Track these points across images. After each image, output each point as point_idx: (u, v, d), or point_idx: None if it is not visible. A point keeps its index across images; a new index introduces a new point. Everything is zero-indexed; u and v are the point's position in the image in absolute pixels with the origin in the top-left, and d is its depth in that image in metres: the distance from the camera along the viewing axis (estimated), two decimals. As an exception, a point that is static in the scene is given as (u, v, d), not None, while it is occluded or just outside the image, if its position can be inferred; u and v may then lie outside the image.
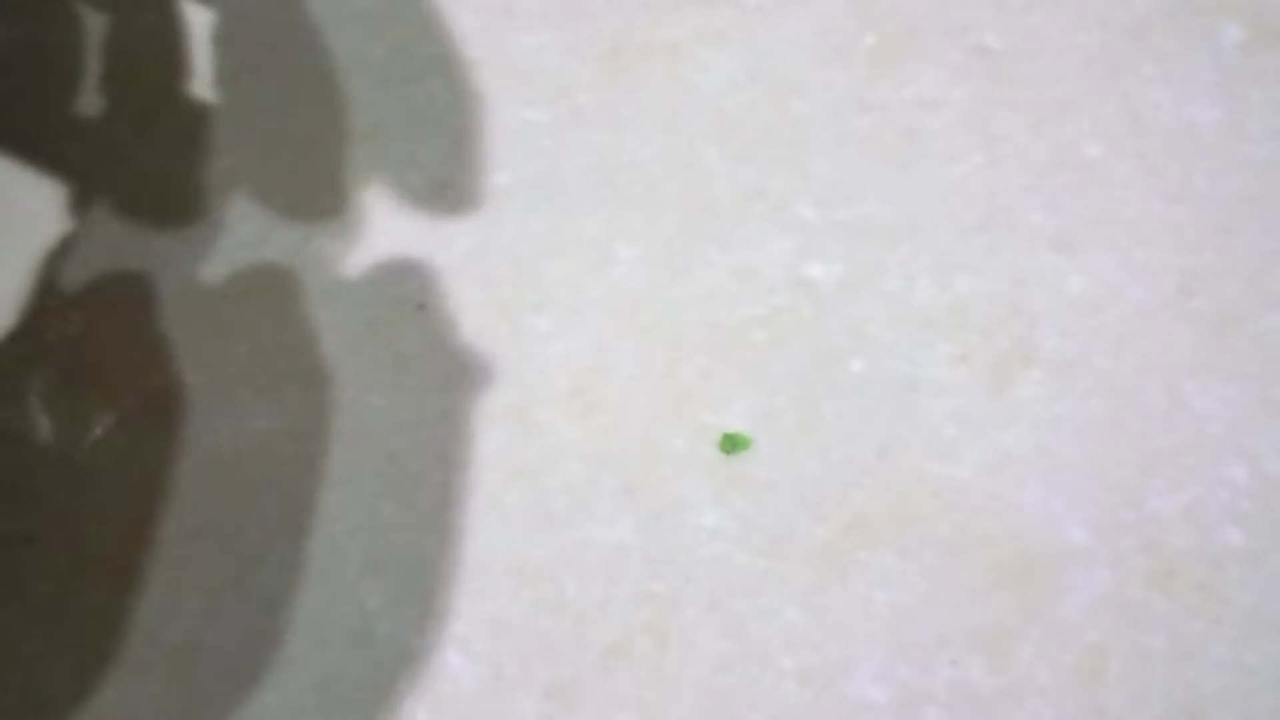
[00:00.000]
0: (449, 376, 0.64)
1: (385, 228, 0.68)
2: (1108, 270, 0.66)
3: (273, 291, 0.67)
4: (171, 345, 0.66)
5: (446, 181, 0.70)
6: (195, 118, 0.72)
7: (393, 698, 0.58)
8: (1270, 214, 0.68)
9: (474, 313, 0.66)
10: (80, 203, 0.70)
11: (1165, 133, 0.69)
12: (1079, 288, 0.66)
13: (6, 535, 0.61)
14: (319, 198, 0.69)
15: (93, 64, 0.74)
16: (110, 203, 0.70)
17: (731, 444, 0.62)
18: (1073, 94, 0.70)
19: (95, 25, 0.75)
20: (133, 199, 0.70)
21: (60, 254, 0.68)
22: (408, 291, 0.67)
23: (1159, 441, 0.62)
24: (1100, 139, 0.69)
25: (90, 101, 0.73)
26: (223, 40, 0.74)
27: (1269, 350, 0.64)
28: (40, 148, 0.71)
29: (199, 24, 0.75)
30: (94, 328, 0.66)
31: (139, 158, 0.71)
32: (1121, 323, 0.65)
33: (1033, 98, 0.70)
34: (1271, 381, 0.64)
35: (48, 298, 0.67)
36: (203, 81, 0.73)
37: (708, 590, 0.59)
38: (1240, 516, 0.60)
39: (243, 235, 0.68)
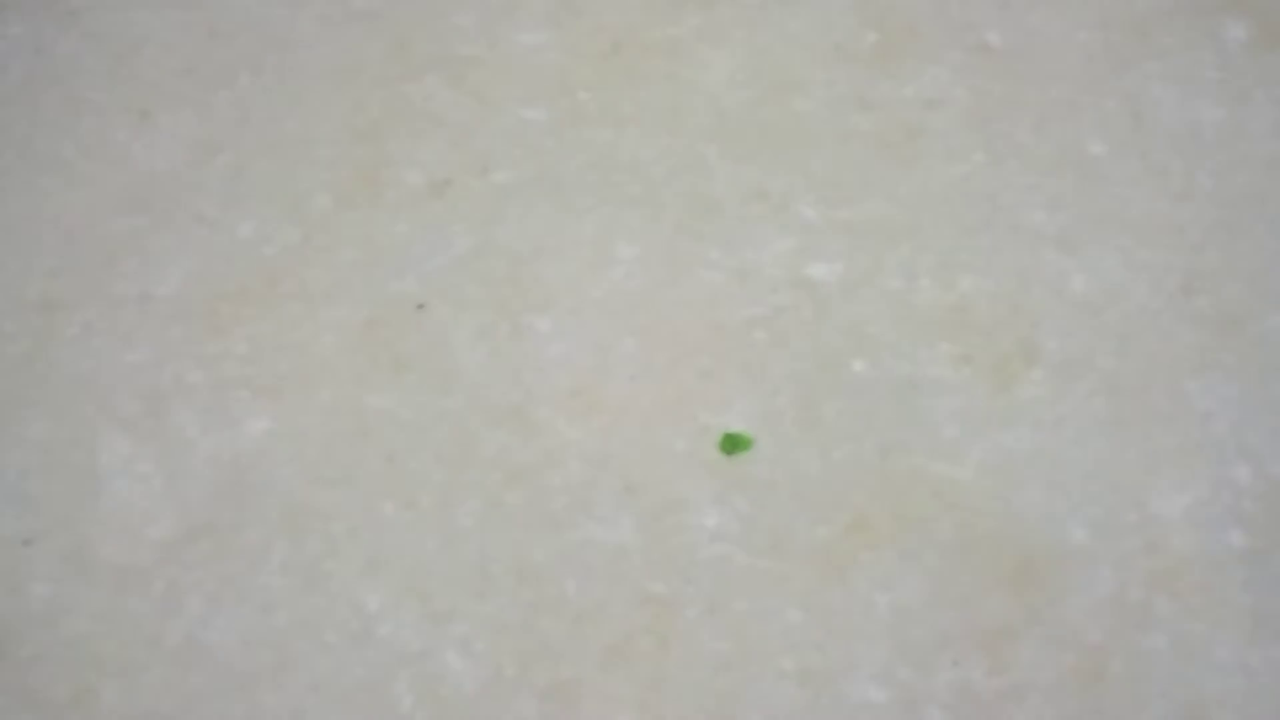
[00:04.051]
0: (449, 376, 0.64)
1: (385, 227, 0.68)
2: (1110, 270, 0.66)
3: (273, 291, 0.67)
4: (171, 345, 0.66)
5: (446, 181, 0.69)
6: (195, 118, 0.72)
7: (393, 698, 0.57)
8: (1275, 213, 0.67)
9: (474, 313, 0.66)
10: (79, 203, 0.70)
11: (1168, 131, 0.69)
12: (1082, 287, 0.66)
13: (6, 535, 0.61)
14: (319, 198, 0.69)
15: (93, 64, 0.74)
16: (110, 203, 0.70)
17: (732, 444, 0.62)
18: (1075, 92, 0.70)
19: (95, 25, 0.75)
20: (132, 199, 0.70)
21: (59, 255, 0.68)
22: (408, 291, 0.67)
23: (1161, 442, 0.62)
24: (1103, 138, 0.69)
25: (90, 101, 0.73)
26: (223, 40, 0.74)
27: (1273, 350, 0.64)
28: (40, 148, 0.71)
29: (199, 24, 0.75)
30: (93, 328, 0.66)
31: (139, 158, 0.71)
32: (1124, 322, 0.65)
33: (1035, 96, 0.70)
34: (1275, 381, 0.63)
35: (46, 299, 0.67)
36: (203, 81, 0.73)
37: (708, 591, 0.59)
38: (1243, 517, 0.60)
39: (243, 235, 0.68)
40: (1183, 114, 0.70)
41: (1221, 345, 0.64)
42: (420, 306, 0.66)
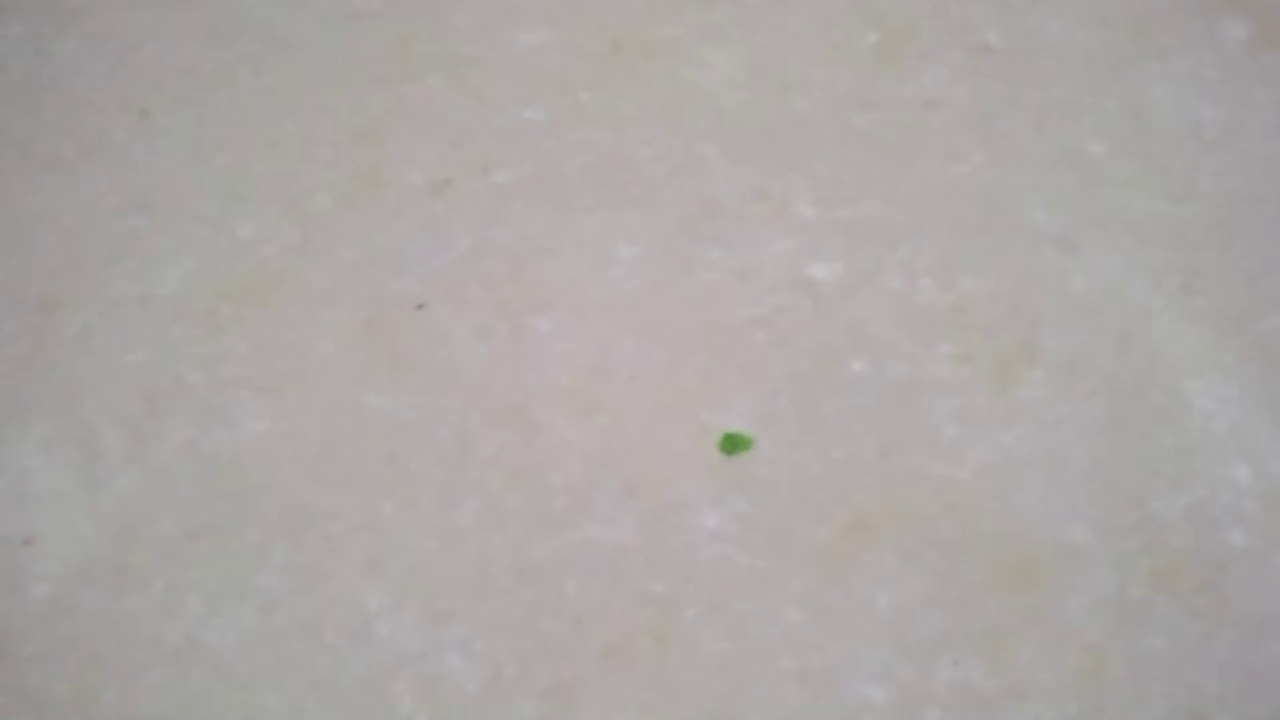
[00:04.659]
0: (449, 376, 0.64)
1: (385, 227, 0.68)
2: (1110, 269, 0.66)
3: (273, 291, 0.67)
4: (171, 345, 0.66)
5: (446, 181, 0.70)
6: (195, 118, 0.72)
7: (393, 698, 0.58)
8: (1274, 213, 0.68)
9: (474, 313, 0.66)
10: (79, 203, 0.70)
11: (1168, 131, 0.69)
12: (1081, 287, 0.66)
13: (6, 535, 0.61)
14: (319, 198, 0.69)
15: (92, 64, 0.74)
16: (110, 203, 0.70)
17: (732, 444, 0.62)
18: (1075, 92, 0.70)
19: (95, 25, 0.75)
20: (132, 199, 0.70)
21: (59, 255, 0.68)
22: (408, 291, 0.67)
23: (1161, 442, 0.62)
24: (1103, 137, 0.69)
25: (90, 101, 0.73)
26: (223, 40, 0.74)
27: (1272, 350, 0.64)
28: (39, 148, 0.71)
29: (199, 24, 0.75)
30: (93, 328, 0.66)
31: (139, 158, 0.71)
32: (1124, 322, 0.65)
33: (1035, 96, 0.70)
34: (1275, 381, 0.63)
35: (46, 299, 0.67)
36: (203, 81, 0.73)
37: (708, 591, 0.59)
38: (1243, 517, 0.60)
39: (243, 235, 0.68)
40: (1183, 114, 0.70)
41: (1221, 345, 0.64)
42: (420, 306, 0.66)
